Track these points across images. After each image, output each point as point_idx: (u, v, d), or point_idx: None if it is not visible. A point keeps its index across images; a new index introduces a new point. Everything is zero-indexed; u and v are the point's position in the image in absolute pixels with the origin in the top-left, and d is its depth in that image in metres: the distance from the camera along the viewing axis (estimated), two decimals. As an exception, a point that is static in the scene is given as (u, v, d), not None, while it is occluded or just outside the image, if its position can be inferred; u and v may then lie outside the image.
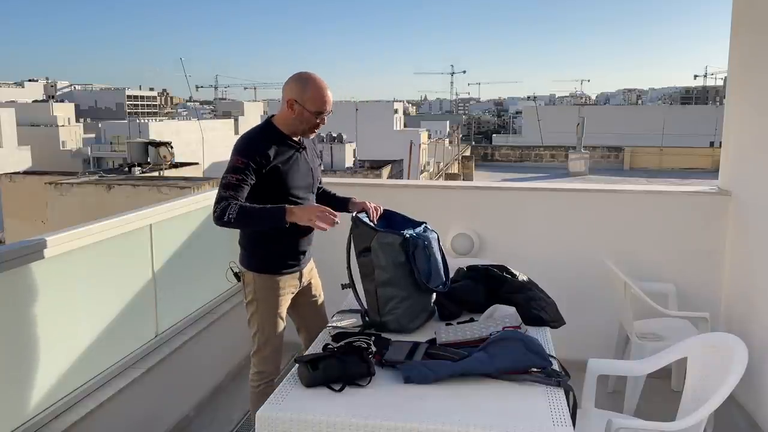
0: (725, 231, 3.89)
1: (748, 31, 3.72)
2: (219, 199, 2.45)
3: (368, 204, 2.63)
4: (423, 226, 2.50)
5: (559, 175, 20.15)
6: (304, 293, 2.86)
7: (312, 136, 2.70)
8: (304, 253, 2.76)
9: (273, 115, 2.67)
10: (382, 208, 2.65)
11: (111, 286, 3.03)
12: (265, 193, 2.52)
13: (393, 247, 2.36)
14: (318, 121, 2.59)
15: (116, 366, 3.00)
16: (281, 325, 2.73)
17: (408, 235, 2.37)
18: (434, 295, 2.48)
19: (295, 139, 2.64)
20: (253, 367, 2.77)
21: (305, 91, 2.53)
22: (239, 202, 2.43)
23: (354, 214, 2.52)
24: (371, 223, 2.47)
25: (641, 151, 23.77)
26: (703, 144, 27.92)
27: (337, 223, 2.41)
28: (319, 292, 2.95)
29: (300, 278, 2.78)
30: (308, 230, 2.70)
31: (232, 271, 2.79)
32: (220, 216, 2.42)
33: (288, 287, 2.73)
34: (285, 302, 2.74)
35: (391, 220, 2.58)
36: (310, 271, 2.89)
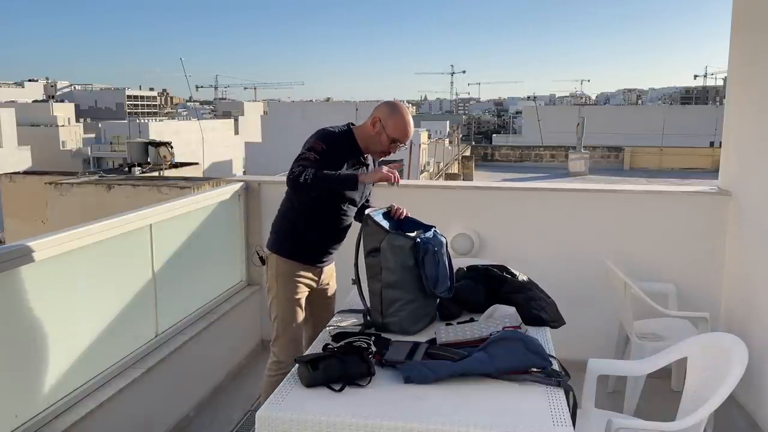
0: (725, 231, 3.89)
1: (748, 30, 3.72)
2: (296, 163, 2.53)
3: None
4: (433, 230, 2.49)
5: (559, 175, 20.13)
6: (321, 292, 2.92)
7: (378, 158, 2.82)
8: (330, 252, 2.85)
9: (353, 124, 2.79)
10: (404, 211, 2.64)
11: (111, 286, 3.03)
12: (320, 196, 2.64)
13: (403, 250, 2.35)
14: (390, 147, 2.70)
15: (116, 366, 3.00)
16: (299, 313, 2.79)
17: (419, 240, 2.36)
18: (437, 300, 2.48)
19: (365, 155, 2.76)
20: (272, 356, 2.82)
21: (392, 116, 2.67)
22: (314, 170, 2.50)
23: (366, 212, 2.50)
24: (382, 224, 2.46)
25: (641, 151, 23.74)
26: (703, 144, 27.88)
27: (397, 182, 2.56)
28: (333, 294, 3.01)
29: (320, 275, 2.86)
30: (342, 232, 2.82)
31: (258, 254, 2.88)
32: (297, 177, 2.48)
33: (306, 279, 2.80)
34: (302, 291, 2.80)
35: (401, 220, 2.57)
36: (330, 272, 2.96)
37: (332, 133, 2.67)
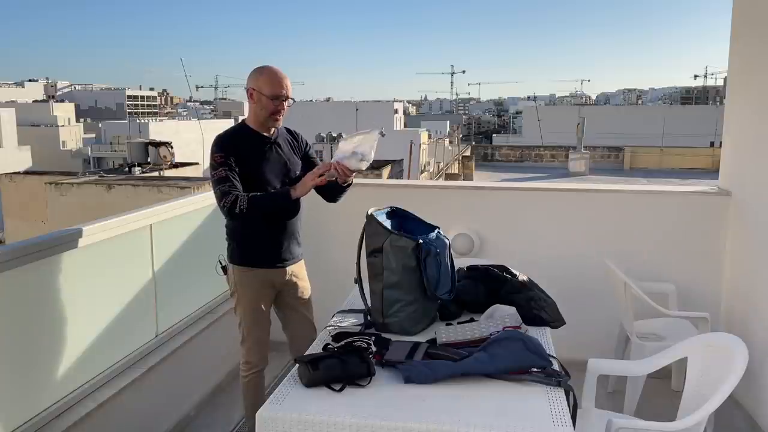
0: (725, 231, 3.89)
1: (748, 31, 3.72)
2: (222, 195, 2.53)
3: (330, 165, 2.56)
4: (436, 231, 2.48)
5: (559, 175, 20.15)
6: (290, 294, 2.88)
7: (276, 124, 2.72)
8: (286, 249, 2.79)
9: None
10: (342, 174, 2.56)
11: (111, 286, 3.03)
12: (243, 188, 2.60)
13: (405, 251, 2.35)
14: (276, 105, 2.63)
15: (116, 366, 3.00)
16: (261, 318, 2.80)
17: (421, 241, 2.36)
18: (438, 301, 2.47)
19: (265, 134, 2.71)
20: (241, 357, 2.86)
21: (260, 77, 2.63)
22: (245, 194, 2.53)
23: (369, 212, 2.48)
24: (385, 224, 2.45)
25: (641, 151, 23.77)
26: (703, 144, 27.92)
27: (332, 175, 2.52)
28: (305, 295, 2.94)
29: (283, 276, 2.82)
30: (291, 227, 2.78)
31: (221, 264, 2.88)
32: (232, 208, 2.51)
33: (266, 281, 2.78)
34: (264, 296, 2.79)
35: (404, 221, 2.56)
36: (297, 272, 2.90)
37: (222, 136, 2.66)
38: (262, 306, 2.79)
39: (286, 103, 2.66)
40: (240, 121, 2.78)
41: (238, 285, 2.78)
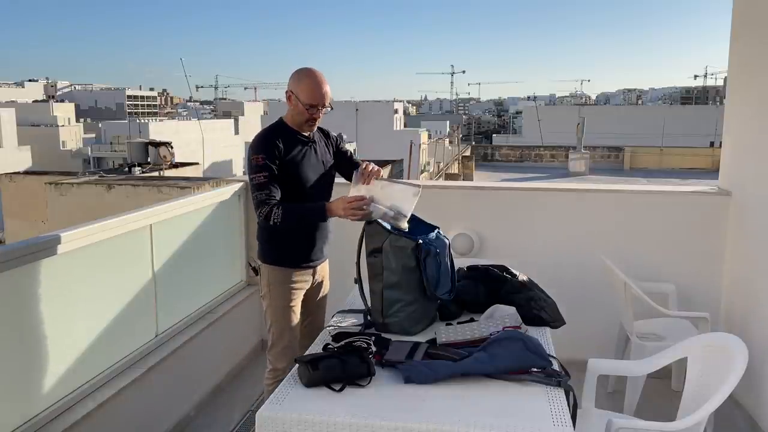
0: (725, 231, 3.89)
1: (748, 31, 3.72)
2: (259, 203, 2.54)
3: (367, 165, 2.57)
4: (436, 231, 2.48)
5: (559, 175, 20.13)
6: (314, 292, 2.90)
7: (311, 129, 2.71)
8: (319, 249, 2.80)
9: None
10: (381, 173, 2.58)
11: (111, 286, 3.02)
12: (281, 187, 2.59)
13: (405, 251, 2.35)
14: (311, 113, 2.61)
15: (116, 366, 3.00)
16: (294, 319, 2.77)
17: (421, 241, 2.36)
18: (438, 301, 2.47)
19: (305, 134, 2.69)
20: (268, 365, 2.81)
21: (299, 83, 2.60)
22: (280, 204, 2.52)
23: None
24: (385, 224, 2.45)
25: (641, 151, 23.73)
26: (703, 144, 27.89)
27: (368, 210, 2.44)
28: (326, 292, 2.98)
29: (313, 275, 2.83)
30: (325, 227, 2.79)
31: (251, 265, 2.83)
32: (266, 219, 2.52)
33: (300, 282, 2.77)
34: (297, 296, 2.78)
35: None
36: (324, 272, 2.93)
37: (262, 136, 2.63)
38: (294, 306, 2.76)
39: (322, 111, 2.64)
40: (279, 118, 2.74)
41: (271, 285, 2.74)
